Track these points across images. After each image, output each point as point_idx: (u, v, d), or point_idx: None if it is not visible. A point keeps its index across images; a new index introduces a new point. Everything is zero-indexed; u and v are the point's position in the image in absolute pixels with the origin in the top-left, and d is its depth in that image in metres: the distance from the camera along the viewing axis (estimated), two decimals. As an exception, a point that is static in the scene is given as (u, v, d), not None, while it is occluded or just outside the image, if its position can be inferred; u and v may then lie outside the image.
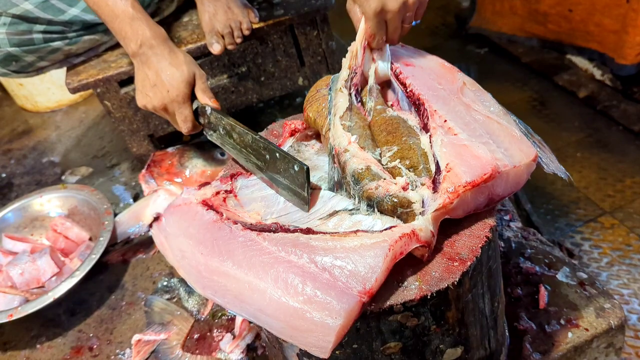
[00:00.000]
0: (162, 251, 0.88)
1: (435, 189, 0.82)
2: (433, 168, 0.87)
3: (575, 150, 2.15)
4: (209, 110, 1.29)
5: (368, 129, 0.96)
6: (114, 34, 1.38)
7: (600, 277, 1.70)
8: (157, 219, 0.93)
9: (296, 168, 0.96)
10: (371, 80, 1.04)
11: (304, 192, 0.93)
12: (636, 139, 2.16)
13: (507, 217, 1.46)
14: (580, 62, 2.56)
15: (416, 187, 0.84)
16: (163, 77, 1.31)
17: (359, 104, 1.01)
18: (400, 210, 0.81)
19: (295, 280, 0.75)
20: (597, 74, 2.47)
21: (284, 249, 0.80)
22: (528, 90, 2.53)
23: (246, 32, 1.68)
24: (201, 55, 1.75)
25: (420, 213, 0.81)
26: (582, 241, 1.84)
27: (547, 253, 1.31)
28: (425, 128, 0.93)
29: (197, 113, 1.34)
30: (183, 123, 1.34)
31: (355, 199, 0.88)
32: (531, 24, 2.70)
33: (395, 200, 0.81)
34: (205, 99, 1.32)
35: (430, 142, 0.89)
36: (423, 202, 0.81)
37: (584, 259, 1.77)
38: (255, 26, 1.73)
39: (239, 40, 1.67)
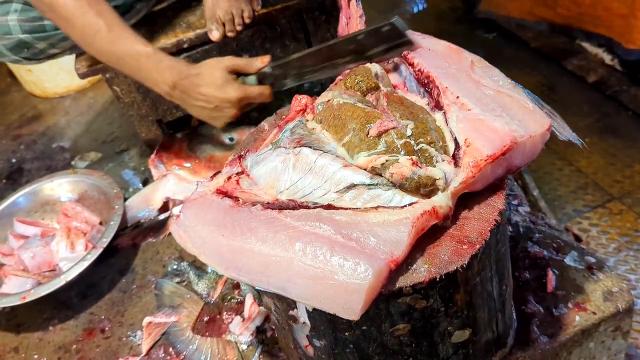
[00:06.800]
0: (182, 244, 0.88)
1: (456, 164, 0.84)
2: (449, 145, 0.88)
3: (584, 136, 2.14)
4: (267, 71, 1.34)
5: (320, 123, 0.96)
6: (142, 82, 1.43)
7: (608, 262, 1.70)
8: (176, 216, 0.94)
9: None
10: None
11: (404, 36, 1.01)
12: (645, 124, 2.15)
13: (515, 202, 1.46)
14: (590, 46, 2.53)
15: (437, 162, 0.85)
16: (213, 96, 1.35)
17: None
18: (424, 190, 0.82)
19: (323, 248, 0.76)
20: (607, 58, 2.44)
21: (308, 224, 0.81)
22: (537, 75, 2.52)
23: (247, 20, 1.67)
24: (209, 40, 1.75)
25: (441, 189, 0.82)
26: (589, 227, 1.84)
27: (555, 237, 1.31)
28: (437, 106, 0.94)
29: (262, 82, 1.38)
30: (262, 100, 1.38)
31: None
32: (540, 7, 2.67)
33: (417, 179, 0.81)
34: (254, 66, 1.36)
35: (445, 119, 0.90)
36: (445, 177, 0.82)
37: (592, 244, 1.77)
38: (263, 11, 1.73)
39: (239, 28, 1.66)
